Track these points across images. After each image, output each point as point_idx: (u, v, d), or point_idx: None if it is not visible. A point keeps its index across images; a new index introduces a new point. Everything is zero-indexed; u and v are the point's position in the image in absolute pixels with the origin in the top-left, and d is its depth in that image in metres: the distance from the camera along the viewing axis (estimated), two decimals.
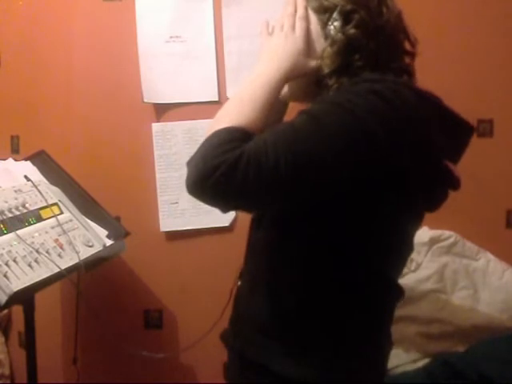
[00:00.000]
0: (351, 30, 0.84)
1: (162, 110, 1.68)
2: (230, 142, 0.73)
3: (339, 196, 0.79)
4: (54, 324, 1.73)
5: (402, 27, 0.89)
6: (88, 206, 1.48)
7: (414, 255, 1.50)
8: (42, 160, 1.54)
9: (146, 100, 1.66)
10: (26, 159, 1.54)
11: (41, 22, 1.71)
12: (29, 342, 1.37)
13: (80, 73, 1.70)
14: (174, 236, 1.70)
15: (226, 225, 1.68)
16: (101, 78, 1.69)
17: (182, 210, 1.68)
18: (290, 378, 0.85)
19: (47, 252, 1.21)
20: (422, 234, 1.56)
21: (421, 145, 0.79)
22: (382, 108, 0.75)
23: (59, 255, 1.23)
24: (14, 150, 1.75)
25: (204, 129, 1.72)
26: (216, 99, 1.65)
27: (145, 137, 1.67)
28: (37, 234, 1.24)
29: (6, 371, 1.76)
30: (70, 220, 1.36)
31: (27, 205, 1.30)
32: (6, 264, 1.12)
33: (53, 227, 1.30)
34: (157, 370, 1.67)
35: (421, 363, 1.48)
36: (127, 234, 1.49)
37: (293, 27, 0.88)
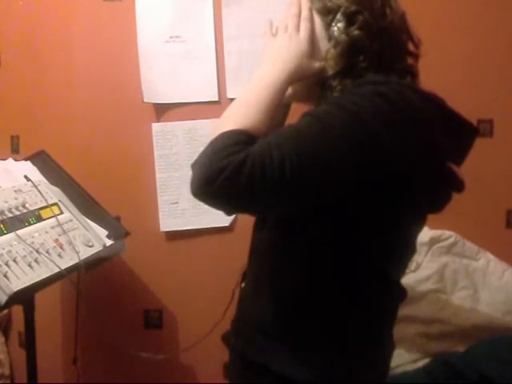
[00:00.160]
0: (355, 32, 0.84)
1: (162, 110, 1.68)
2: (235, 144, 0.73)
3: (343, 198, 0.79)
4: (54, 324, 1.73)
5: (405, 28, 0.89)
6: (88, 206, 1.48)
7: None
8: (42, 160, 1.54)
9: (145, 100, 1.66)
10: (26, 159, 1.54)
11: (41, 22, 1.71)
12: (29, 342, 1.37)
13: (80, 73, 1.70)
14: (174, 236, 1.71)
15: (226, 225, 1.69)
16: (101, 78, 1.69)
17: (181, 210, 1.68)
18: (291, 378, 0.85)
19: (47, 252, 1.21)
20: (422, 234, 1.55)
21: (425, 146, 0.79)
22: (387, 110, 0.75)
23: (59, 255, 1.23)
24: (14, 150, 1.76)
25: (204, 129, 1.74)
26: (216, 99, 1.65)
27: (145, 137, 1.67)
28: (37, 234, 1.24)
29: (6, 371, 1.76)
30: (70, 220, 1.36)
31: (27, 205, 1.30)
32: (6, 264, 1.12)
33: (53, 227, 1.30)
34: (157, 370, 1.67)
35: (421, 363, 1.48)
36: (127, 234, 1.49)
37: (297, 28, 0.88)
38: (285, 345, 0.88)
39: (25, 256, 1.17)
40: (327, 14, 0.87)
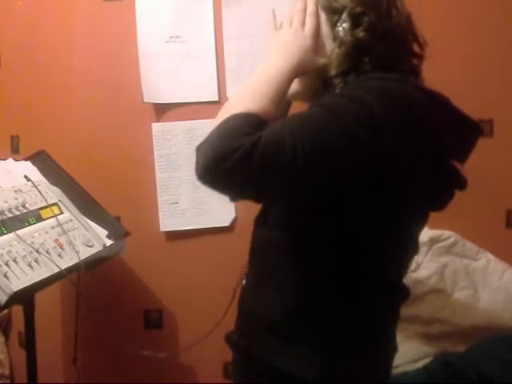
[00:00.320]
0: (360, 34, 0.84)
1: (162, 110, 1.68)
2: (247, 126, 0.72)
3: (345, 195, 0.79)
4: (54, 324, 1.73)
5: (411, 29, 0.89)
6: (88, 205, 1.48)
7: None
8: (42, 160, 1.54)
9: (145, 100, 1.66)
10: (26, 159, 1.54)
11: (41, 22, 1.71)
12: (29, 342, 1.37)
13: (80, 73, 1.70)
14: (174, 236, 1.71)
15: (226, 225, 1.68)
16: (101, 78, 1.69)
17: (181, 210, 1.68)
18: (292, 376, 0.86)
19: (47, 252, 1.21)
20: (422, 234, 1.53)
21: (427, 144, 0.79)
22: (391, 106, 0.75)
23: (59, 255, 1.23)
24: (14, 150, 1.76)
25: (204, 129, 1.74)
26: (216, 99, 1.65)
27: (145, 137, 1.67)
28: (37, 234, 1.24)
29: (6, 371, 1.76)
30: (70, 220, 1.36)
31: (27, 205, 1.30)
32: (6, 264, 1.12)
33: (53, 227, 1.30)
34: (157, 370, 1.67)
35: (421, 363, 1.48)
36: (127, 234, 1.49)
37: (302, 23, 0.88)
38: (286, 343, 0.88)
39: (25, 256, 1.17)
40: (333, 13, 0.87)
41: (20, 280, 1.11)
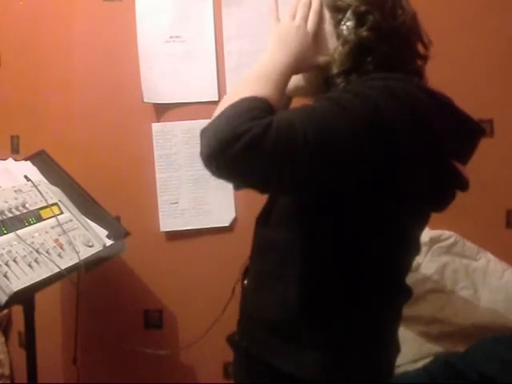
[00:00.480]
0: (364, 33, 0.83)
1: (162, 110, 1.68)
2: (256, 110, 0.71)
3: (345, 194, 0.79)
4: (54, 324, 1.73)
5: (416, 29, 0.88)
6: (88, 205, 1.48)
7: None
8: (41, 160, 1.54)
9: (146, 100, 1.66)
10: (26, 159, 1.54)
11: (41, 22, 1.71)
12: (29, 342, 1.37)
13: (80, 73, 1.70)
14: (174, 236, 1.70)
15: (226, 225, 1.68)
16: (101, 78, 1.69)
17: (181, 210, 1.68)
18: (292, 376, 0.86)
19: (47, 252, 1.21)
20: (422, 234, 1.56)
21: (429, 144, 0.79)
22: (395, 105, 0.75)
23: (59, 255, 1.23)
24: (14, 150, 1.76)
25: None
26: (216, 99, 1.65)
27: (145, 137, 1.67)
28: (37, 234, 1.24)
29: (6, 371, 1.76)
30: (70, 220, 1.36)
31: (27, 205, 1.30)
32: (6, 264, 1.12)
33: (53, 227, 1.30)
34: (157, 370, 1.67)
35: (421, 363, 1.48)
36: (127, 234, 1.49)
37: (305, 19, 0.87)
38: (287, 343, 0.88)
39: (25, 256, 1.17)
40: (337, 11, 0.86)
41: (20, 280, 1.11)
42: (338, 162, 0.73)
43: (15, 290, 1.09)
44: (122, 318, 1.72)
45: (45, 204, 1.34)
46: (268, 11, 0.91)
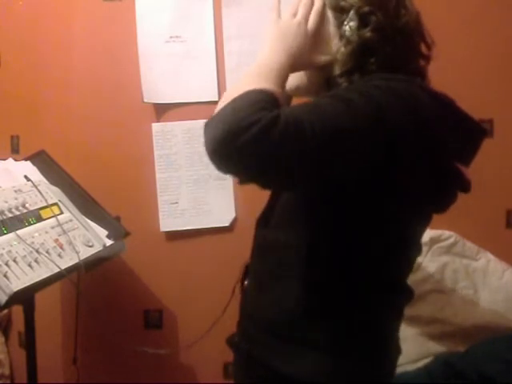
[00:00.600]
0: (367, 34, 0.83)
1: (162, 110, 1.68)
2: (263, 101, 0.70)
3: (345, 194, 0.79)
4: (54, 324, 1.73)
5: (419, 29, 0.88)
6: (88, 205, 1.48)
7: None
8: (41, 160, 1.54)
9: (146, 100, 1.66)
10: (26, 159, 1.54)
11: (41, 22, 1.71)
12: (29, 342, 1.37)
13: (80, 73, 1.70)
14: (174, 236, 1.70)
15: (226, 225, 1.68)
16: (101, 78, 1.69)
17: (181, 210, 1.68)
18: (292, 377, 0.85)
19: (47, 252, 1.21)
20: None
21: (431, 145, 0.79)
22: (398, 105, 0.75)
23: (59, 255, 1.23)
24: (14, 150, 1.76)
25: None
26: (216, 99, 1.64)
27: (145, 137, 1.67)
28: (37, 234, 1.24)
29: (6, 371, 1.76)
30: (70, 220, 1.36)
31: (27, 205, 1.30)
32: (6, 264, 1.12)
33: (53, 227, 1.30)
34: (157, 370, 1.67)
35: (421, 363, 1.48)
36: (127, 233, 1.49)
37: (306, 18, 0.86)
38: (288, 344, 0.88)
39: (25, 256, 1.17)
40: (340, 11, 0.86)
41: (20, 280, 1.11)
42: (344, 156, 0.72)
43: (15, 290, 1.09)
44: (122, 317, 1.72)
45: (45, 204, 1.34)
46: (269, 9, 0.90)
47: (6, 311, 1.74)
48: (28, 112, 1.74)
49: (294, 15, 0.87)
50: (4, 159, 1.51)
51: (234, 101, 0.70)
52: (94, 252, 1.32)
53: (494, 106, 1.63)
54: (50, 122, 1.72)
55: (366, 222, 0.83)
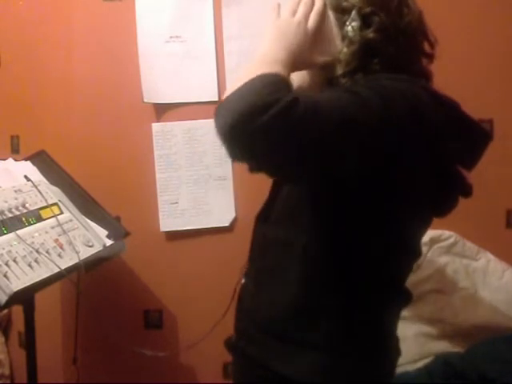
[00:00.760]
0: (370, 34, 0.82)
1: (162, 110, 1.68)
2: (279, 84, 0.69)
3: (346, 193, 0.79)
4: (54, 324, 1.73)
5: (422, 28, 0.87)
6: (88, 205, 1.48)
7: None
8: (41, 160, 1.54)
9: (146, 100, 1.66)
10: (26, 159, 1.54)
11: (41, 22, 1.71)
12: (29, 342, 1.37)
13: (80, 73, 1.70)
14: (174, 236, 1.70)
15: (226, 225, 1.68)
16: (101, 78, 1.69)
17: (181, 210, 1.68)
18: (291, 377, 0.85)
19: (47, 252, 1.21)
20: None
21: (432, 147, 0.78)
22: (400, 105, 0.74)
23: (59, 255, 1.23)
24: (14, 150, 1.76)
25: (204, 128, 1.74)
26: (216, 99, 1.64)
27: (145, 137, 1.67)
28: (37, 234, 1.24)
29: (6, 371, 1.76)
30: (70, 220, 1.36)
31: (27, 205, 1.30)
32: (6, 264, 1.12)
33: (53, 227, 1.30)
34: (157, 370, 1.67)
35: (421, 363, 1.48)
36: (127, 233, 1.49)
37: (307, 18, 0.85)
38: (285, 344, 0.88)
39: (25, 256, 1.17)
40: (342, 12, 0.85)
41: (20, 280, 1.11)
42: (356, 148, 0.71)
43: (15, 290, 1.09)
44: (122, 317, 1.72)
45: (45, 204, 1.34)
46: (269, 9, 0.90)
47: (5, 311, 1.74)
48: (28, 112, 1.74)
49: (294, 13, 0.86)
50: (4, 159, 1.51)
51: (248, 83, 0.69)
52: (93, 252, 1.32)
53: (494, 106, 1.63)
54: (50, 122, 1.72)
55: (365, 222, 0.83)
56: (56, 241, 1.26)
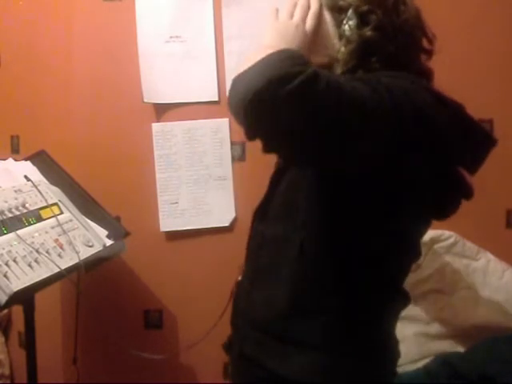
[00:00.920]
0: (368, 33, 0.82)
1: (162, 110, 1.68)
2: (299, 58, 0.68)
3: (346, 193, 0.79)
4: (54, 324, 1.73)
5: (420, 25, 0.87)
6: (88, 205, 1.48)
7: None
8: (41, 160, 1.54)
9: (146, 100, 1.66)
10: (26, 159, 1.55)
11: (41, 22, 1.71)
12: (29, 342, 1.37)
13: (80, 73, 1.70)
14: (174, 236, 1.70)
15: (226, 225, 1.68)
16: (101, 78, 1.69)
17: (181, 210, 1.68)
18: (288, 377, 0.85)
19: (47, 252, 1.21)
20: None
21: (433, 148, 0.78)
22: (403, 100, 0.74)
23: (59, 255, 1.23)
24: (14, 150, 1.76)
25: (204, 128, 1.73)
26: (216, 99, 1.65)
27: (145, 137, 1.67)
28: (37, 234, 1.24)
29: (6, 371, 1.76)
30: (70, 220, 1.36)
31: (27, 205, 1.30)
32: (6, 264, 1.12)
33: (53, 227, 1.30)
34: (157, 370, 1.67)
35: (421, 363, 1.48)
36: (127, 233, 1.49)
37: (304, 20, 0.85)
38: (283, 344, 0.87)
39: (25, 256, 1.17)
40: (338, 12, 0.85)
41: (20, 280, 1.11)
42: (368, 134, 0.70)
43: (15, 290, 1.09)
44: (122, 318, 1.72)
45: (45, 204, 1.34)
46: (268, 10, 0.90)
47: (5, 311, 1.75)
48: (28, 112, 1.74)
49: (291, 16, 0.86)
50: (4, 159, 1.51)
51: (268, 57, 0.68)
52: (93, 252, 1.32)
53: (494, 106, 1.63)
54: (50, 122, 1.72)
55: (365, 221, 0.83)
56: (56, 241, 1.26)
